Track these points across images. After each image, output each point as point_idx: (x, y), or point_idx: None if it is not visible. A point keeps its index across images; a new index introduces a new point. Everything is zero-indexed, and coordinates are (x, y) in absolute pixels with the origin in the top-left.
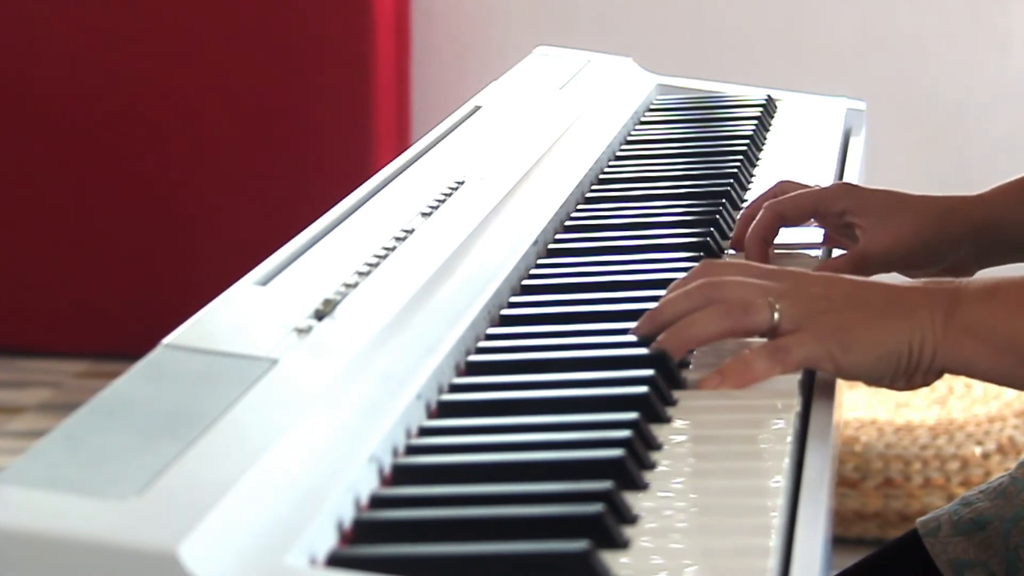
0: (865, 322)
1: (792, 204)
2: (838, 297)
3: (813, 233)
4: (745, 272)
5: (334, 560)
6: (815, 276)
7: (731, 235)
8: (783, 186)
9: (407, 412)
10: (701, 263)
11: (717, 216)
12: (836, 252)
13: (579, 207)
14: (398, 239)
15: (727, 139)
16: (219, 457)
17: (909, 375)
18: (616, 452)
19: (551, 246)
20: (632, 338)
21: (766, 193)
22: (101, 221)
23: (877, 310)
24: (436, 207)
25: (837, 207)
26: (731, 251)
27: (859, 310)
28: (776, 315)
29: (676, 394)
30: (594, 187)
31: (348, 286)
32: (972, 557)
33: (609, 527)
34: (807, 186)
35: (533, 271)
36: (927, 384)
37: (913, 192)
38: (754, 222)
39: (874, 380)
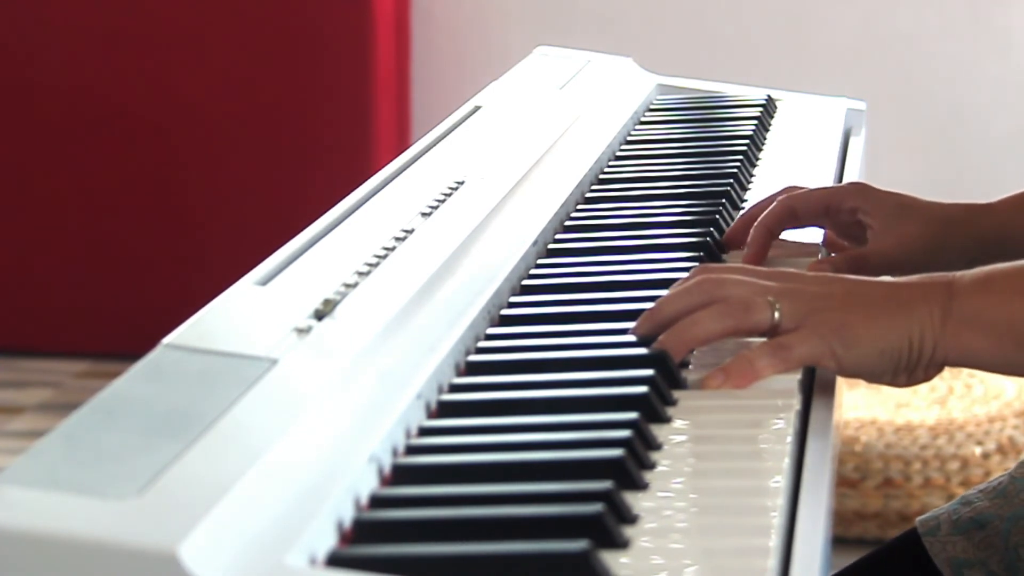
0: (865, 319)
1: (804, 199)
2: (837, 295)
3: (812, 235)
4: (743, 272)
5: (334, 560)
6: (813, 276)
7: None
8: (790, 190)
9: (407, 412)
10: (697, 267)
11: (717, 216)
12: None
13: (579, 207)
14: (398, 239)
15: (727, 139)
16: (219, 457)
17: (910, 370)
18: (616, 452)
19: (551, 246)
20: (632, 338)
21: (771, 196)
22: (101, 221)
23: (877, 307)
24: (436, 207)
25: (849, 204)
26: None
27: (859, 307)
28: (776, 314)
29: (676, 394)
30: (594, 187)
31: (348, 286)
32: (972, 556)
33: (609, 527)
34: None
35: (533, 271)
36: (928, 379)
37: (916, 194)
38: (764, 212)
39: (875, 377)
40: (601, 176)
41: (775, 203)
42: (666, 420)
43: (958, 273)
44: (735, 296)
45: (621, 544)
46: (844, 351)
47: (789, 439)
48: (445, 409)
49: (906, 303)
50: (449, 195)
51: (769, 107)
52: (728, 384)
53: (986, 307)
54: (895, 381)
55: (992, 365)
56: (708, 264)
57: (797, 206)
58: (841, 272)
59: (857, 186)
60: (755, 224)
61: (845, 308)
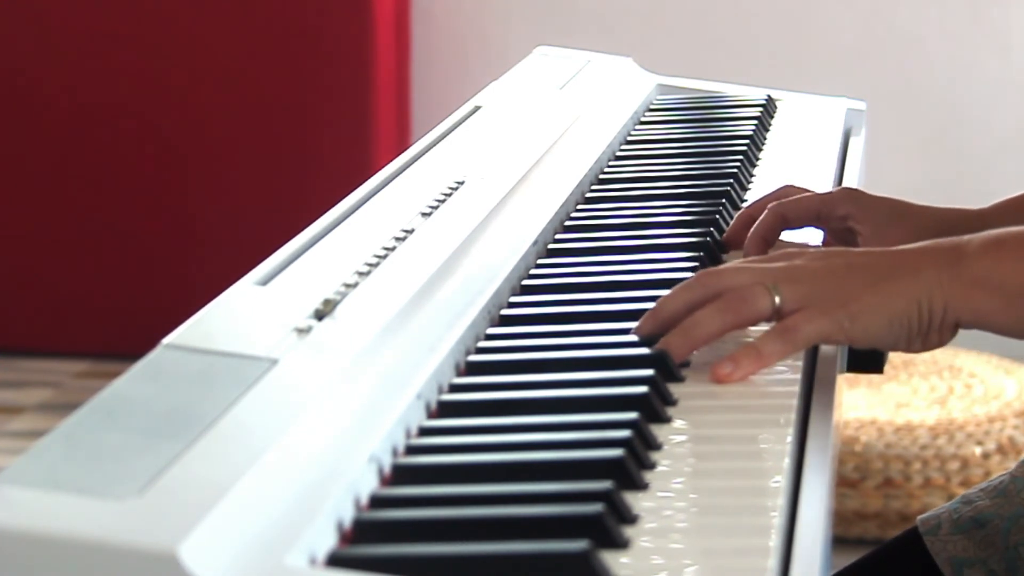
0: (870, 288)
1: (795, 207)
2: (840, 268)
3: (812, 235)
4: (747, 261)
5: (334, 560)
6: (815, 251)
7: None
8: (787, 190)
9: (407, 412)
10: (700, 272)
11: (717, 216)
12: None
13: (579, 207)
14: (398, 239)
15: (727, 139)
16: (219, 457)
17: (924, 335)
18: (616, 452)
19: (551, 246)
20: (632, 338)
21: (769, 195)
22: (101, 221)
23: (881, 275)
24: (436, 207)
25: (840, 211)
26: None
27: (862, 278)
28: (777, 299)
29: (676, 394)
30: (594, 187)
31: (348, 286)
32: (972, 555)
33: (609, 527)
34: (811, 191)
35: (533, 271)
36: (943, 342)
37: (914, 196)
38: (756, 222)
39: (889, 344)
40: (601, 176)
41: (766, 211)
42: (666, 420)
43: (966, 237)
44: (732, 287)
45: (621, 544)
46: (852, 324)
47: (789, 439)
48: (445, 409)
49: (911, 268)
50: (449, 195)
51: (769, 107)
52: (737, 373)
53: (997, 269)
54: (911, 347)
55: (1004, 327)
56: (712, 269)
57: (788, 213)
58: None
59: (849, 192)
60: (748, 235)
61: (848, 280)
